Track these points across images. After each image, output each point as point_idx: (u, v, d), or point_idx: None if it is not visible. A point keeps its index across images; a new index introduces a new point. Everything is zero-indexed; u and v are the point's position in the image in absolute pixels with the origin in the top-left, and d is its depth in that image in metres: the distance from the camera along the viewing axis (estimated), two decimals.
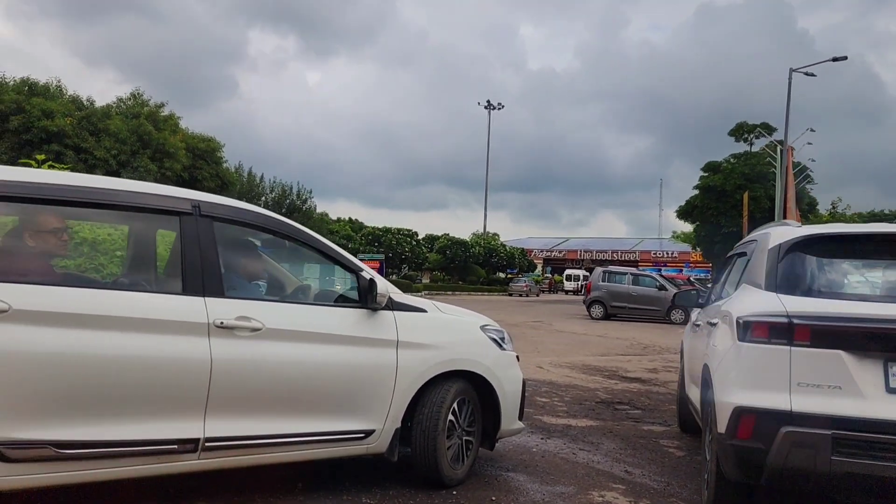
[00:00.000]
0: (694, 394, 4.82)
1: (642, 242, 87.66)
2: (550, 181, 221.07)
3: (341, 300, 3.98)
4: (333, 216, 56.15)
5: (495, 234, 73.12)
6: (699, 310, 5.61)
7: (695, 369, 4.79)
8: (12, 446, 2.82)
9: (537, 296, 52.89)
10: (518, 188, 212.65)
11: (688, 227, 50.10)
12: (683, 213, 46.08)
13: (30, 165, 6.92)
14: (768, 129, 42.38)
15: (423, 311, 4.13)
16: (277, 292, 4.21)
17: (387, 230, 52.36)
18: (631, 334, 17.75)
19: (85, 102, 29.25)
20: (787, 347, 3.14)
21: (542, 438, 5.63)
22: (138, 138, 28.13)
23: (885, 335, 3.08)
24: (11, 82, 27.97)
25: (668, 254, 77.27)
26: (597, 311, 24.77)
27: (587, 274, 40.29)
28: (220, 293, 3.39)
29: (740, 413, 3.18)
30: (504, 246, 64.62)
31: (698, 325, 5.08)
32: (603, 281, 25.24)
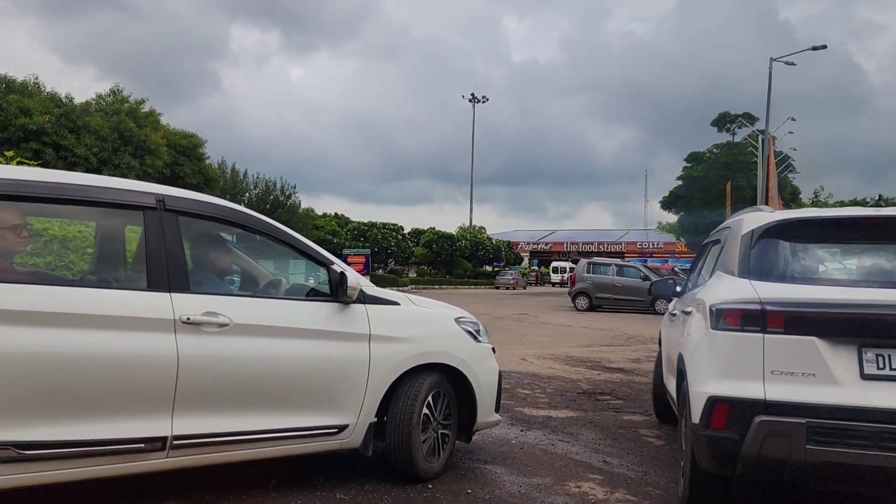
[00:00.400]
0: (671, 384, 4.79)
1: (628, 234, 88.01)
2: (536, 174, 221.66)
3: (313, 294, 3.93)
4: (319, 211, 55.81)
5: (482, 228, 73.13)
6: (676, 299, 5.57)
7: (672, 359, 4.76)
8: None
9: (524, 288, 52.99)
10: (504, 181, 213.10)
11: (672, 218, 50.32)
12: (667, 204, 46.33)
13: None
14: (750, 118, 42.62)
15: (396, 304, 4.10)
16: (248, 287, 4.16)
17: (372, 225, 52.21)
18: (615, 325, 17.81)
19: (64, 99, 28.87)
20: (761, 335, 3.09)
21: (521, 430, 5.62)
22: (119, 135, 27.81)
23: (859, 321, 3.03)
24: None
25: (653, 244, 77.61)
26: (582, 302, 24.84)
27: (573, 266, 40.42)
28: (186, 288, 3.34)
29: (714, 403, 3.12)
30: (490, 239, 64.67)
31: (675, 315, 5.05)
32: (588, 272, 25.31)
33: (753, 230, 3.59)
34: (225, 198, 3.87)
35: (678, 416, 4.16)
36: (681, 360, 3.86)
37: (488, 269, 64.11)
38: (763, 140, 30.09)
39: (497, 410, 4.58)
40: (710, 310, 3.33)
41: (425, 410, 4.03)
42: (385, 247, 51.22)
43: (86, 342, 3.01)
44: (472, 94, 68.59)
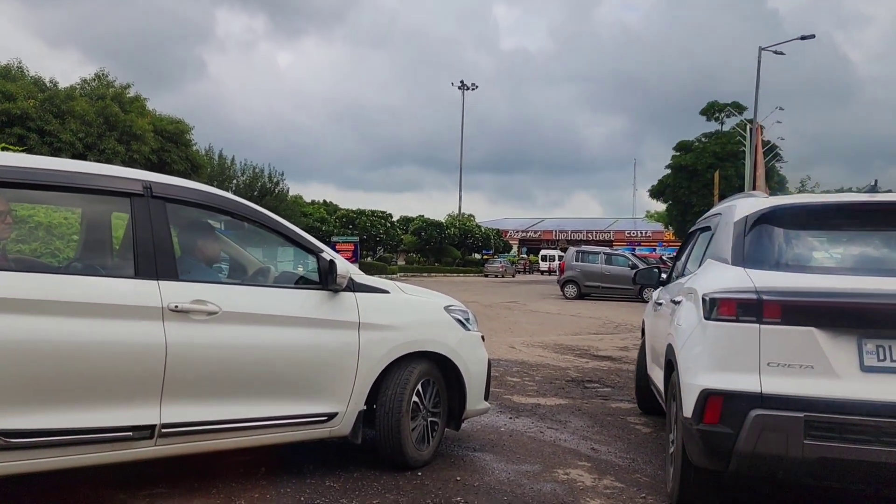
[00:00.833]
0: (657, 375, 4.72)
1: (617, 222, 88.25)
2: (525, 162, 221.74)
3: (302, 282, 3.91)
4: (307, 199, 55.54)
5: (471, 216, 73.02)
6: (661, 287, 5.49)
7: (657, 349, 4.69)
8: None
9: (513, 276, 53.06)
10: (493, 169, 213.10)
11: (661, 207, 50.47)
12: (656, 193, 46.43)
13: None
14: (739, 108, 42.69)
15: (386, 292, 4.09)
16: (237, 275, 4.14)
17: (361, 212, 52.04)
18: (604, 313, 17.88)
19: (48, 84, 28.52)
20: (757, 325, 2.98)
21: (510, 418, 5.64)
22: (105, 120, 27.50)
23: (859, 310, 2.92)
24: None
25: (641, 233, 77.87)
26: (570, 290, 24.90)
27: (562, 254, 40.51)
28: (174, 276, 3.32)
29: (707, 396, 3.01)
30: (479, 227, 64.62)
31: (660, 304, 4.97)
32: (576, 261, 25.36)
33: (747, 216, 3.47)
34: (212, 185, 3.84)
35: (666, 408, 4.08)
36: (670, 350, 3.75)
37: (477, 256, 64.14)
38: (751, 129, 30.19)
39: (486, 398, 4.59)
40: (703, 299, 3.21)
41: (415, 398, 4.03)
42: (374, 234, 51.11)
43: (73, 330, 2.98)
44: (462, 82, 68.33)
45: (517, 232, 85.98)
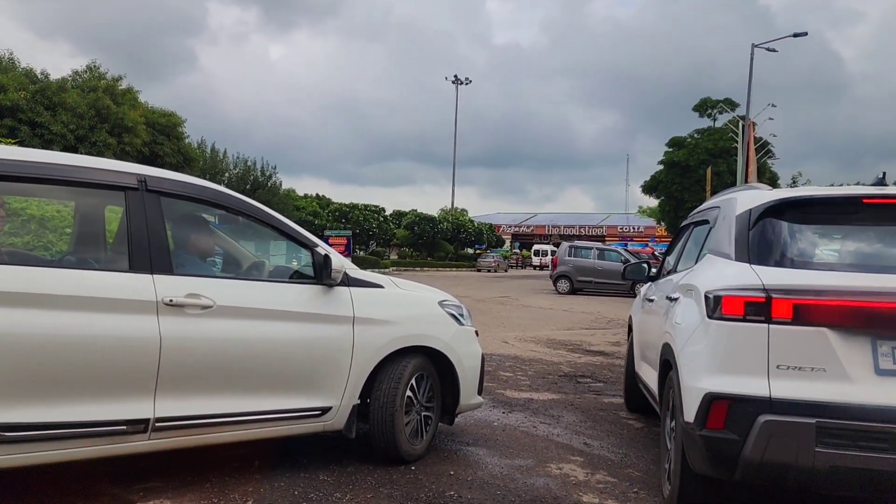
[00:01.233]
0: (648, 374, 4.61)
1: (609, 217, 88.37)
2: (518, 157, 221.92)
3: (297, 276, 3.91)
4: (300, 192, 55.43)
5: (464, 210, 73.11)
6: (651, 283, 5.37)
7: (649, 348, 4.55)
8: None
9: (505, 271, 53.10)
10: (486, 164, 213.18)
11: (653, 202, 50.56)
12: (648, 189, 46.46)
13: None
14: (731, 104, 42.81)
15: (380, 286, 4.09)
16: (231, 269, 4.14)
17: (354, 206, 52.00)
18: (596, 308, 17.94)
19: (39, 76, 28.29)
20: (765, 325, 2.81)
21: (503, 412, 5.66)
22: (96, 113, 27.30)
23: (874, 310, 2.75)
24: None
25: (634, 228, 78.05)
26: (563, 285, 24.97)
27: (555, 249, 40.58)
28: (168, 270, 3.31)
29: (711, 400, 2.85)
30: (472, 221, 64.65)
31: (651, 300, 4.85)
32: (569, 256, 25.43)
33: (751, 209, 3.29)
34: (204, 178, 3.82)
35: (660, 410, 3.95)
36: (668, 350, 3.57)
37: (470, 251, 64.19)
38: (743, 126, 30.27)
39: (480, 393, 4.60)
40: (706, 296, 3.05)
41: (408, 393, 4.04)
42: (366, 228, 51.09)
43: (67, 323, 2.98)
44: (455, 76, 68.30)
45: (510, 227, 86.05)
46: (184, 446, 3.39)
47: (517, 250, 75.65)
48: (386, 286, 4.14)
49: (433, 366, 4.25)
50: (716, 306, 2.97)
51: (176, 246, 3.64)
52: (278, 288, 3.77)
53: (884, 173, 3.43)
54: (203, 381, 3.35)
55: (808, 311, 2.79)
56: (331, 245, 3.99)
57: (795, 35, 29.30)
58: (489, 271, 49.91)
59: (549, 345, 10.26)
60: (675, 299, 3.73)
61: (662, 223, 50.38)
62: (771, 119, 38.40)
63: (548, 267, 46.53)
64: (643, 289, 5.69)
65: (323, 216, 49.39)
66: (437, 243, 58.50)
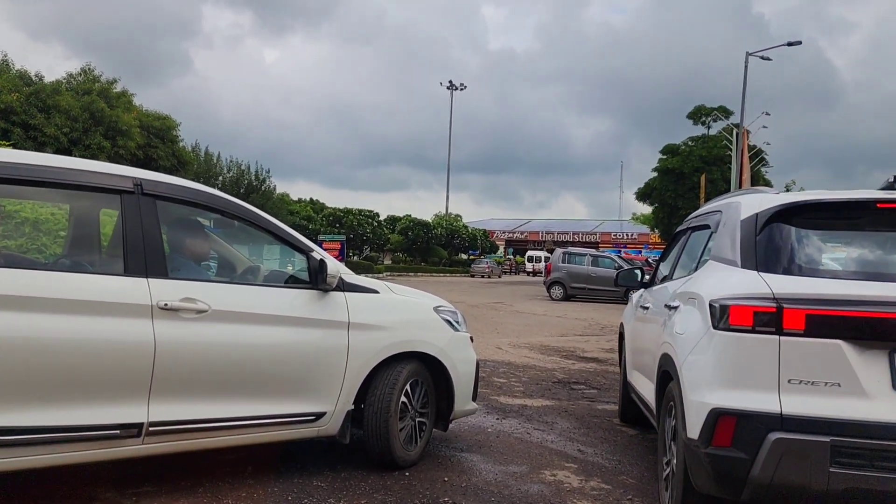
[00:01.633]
0: (643, 385, 4.46)
1: (603, 224, 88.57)
2: (512, 162, 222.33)
3: (292, 281, 3.91)
4: (294, 196, 55.47)
5: (458, 216, 73.12)
6: (644, 290, 5.21)
7: (645, 358, 4.41)
8: None
9: (499, 277, 53.12)
10: (479, 169, 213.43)
11: (647, 209, 50.68)
12: (642, 196, 46.58)
13: None
14: (726, 112, 42.98)
15: (375, 292, 4.09)
16: (226, 273, 4.13)
17: (348, 211, 51.95)
18: (590, 315, 17.96)
19: (34, 78, 28.21)
20: (776, 337, 2.66)
21: (497, 419, 5.65)
22: (90, 115, 27.23)
23: (892, 322, 2.60)
24: None
25: (627, 235, 78.21)
26: (557, 292, 24.98)
27: (549, 255, 40.62)
28: (163, 274, 3.30)
29: (718, 415, 2.70)
30: (466, 227, 64.65)
31: (646, 307, 4.67)
32: (563, 262, 25.44)
33: (758, 213, 3.12)
34: (198, 181, 3.81)
35: (656, 422, 3.81)
36: (667, 361, 3.41)
37: (464, 257, 64.18)
38: (737, 134, 30.41)
39: (474, 399, 4.60)
40: (712, 306, 2.89)
41: (403, 398, 4.04)
42: (361, 233, 51.03)
43: (61, 327, 2.96)
44: (451, 82, 68.34)
45: (504, 232, 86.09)
46: (177, 451, 3.38)
47: (511, 256, 75.69)
48: (381, 291, 4.14)
49: (428, 371, 4.24)
50: (722, 316, 2.82)
51: (171, 250, 3.63)
52: (273, 292, 3.76)
53: (894, 177, 3.25)
54: (197, 385, 3.34)
55: (822, 322, 2.65)
56: (325, 250, 3.98)
57: (790, 44, 29.47)
58: (483, 277, 49.90)
59: (543, 351, 10.27)
60: (675, 307, 3.57)
61: (656, 230, 50.49)
62: (765, 127, 38.55)
63: (541, 273, 46.57)
64: (635, 296, 5.55)
65: (317, 221, 49.35)
66: (431, 249, 58.46)
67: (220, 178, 40.17)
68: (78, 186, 3.28)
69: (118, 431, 3.11)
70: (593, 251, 28.54)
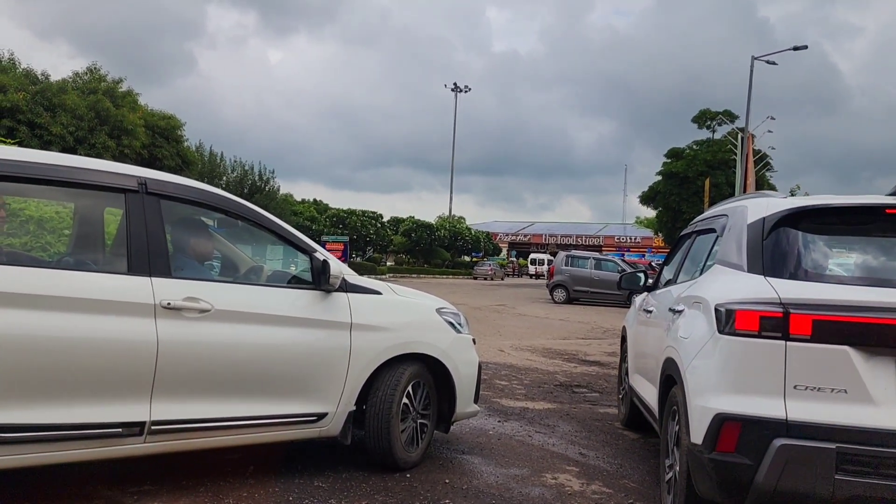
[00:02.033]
0: (646, 389, 4.45)
1: (606, 227, 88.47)
2: (515, 165, 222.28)
3: (295, 282, 3.91)
4: (297, 197, 55.51)
5: (461, 218, 73.09)
6: (647, 293, 5.20)
7: (648, 362, 4.40)
8: None
9: (502, 279, 53.09)
10: (482, 171, 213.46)
11: (651, 213, 50.63)
12: (646, 199, 46.53)
13: None
14: (730, 116, 42.96)
15: (378, 293, 4.09)
16: (229, 273, 4.14)
17: (352, 212, 51.99)
18: (592, 318, 17.94)
19: (40, 77, 28.29)
20: (782, 342, 2.65)
21: (499, 421, 5.65)
22: (96, 115, 27.28)
23: None
24: None
25: (631, 239, 78.13)
26: (559, 295, 24.96)
27: (551, 258, 40.59)
28: (167, 273, 3.31)
29: (722, 421, 2.69)
30: (469, 229, 64.62)
31: (649, 311, 4.67)
32: (566, 265, 25.42)
33: (765, 218, 3.11)
34: (202, 181, 3.82)
35: (659, 428, 3.79)
36: (671, 365, 3.40)
37: (466, 259, 64.14)
38: (742, 138, 30.37)
39: (476, 401, 4.59)
40: (717, 310, 2.88)
41: (405, 400, 4.04)
42: (364, 234, 51.06)
43: (64, 325, 2.97)
44: (455, 84, 68.37)
45: (507, 235, 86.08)
46: (179, 450, 3.38)
47: (514, 259, 75.67)
48: (384, 293, 4.14)
49: (430, 373, 4.24)
50: (728, 320, 2.80)
51: (175, 249, 3.64)
52: (276, 293, 3.77)
53: None
54: (200, 384, 3.34)
55: (829, 328, 2.63)
56: (328, 251, 3.98)
57: (795, 48, 29.42)
58: (485, 279, 49.88)
59: (545, 354, 10.26)
60: (680, 311, 3.56)
61: (660, 234, 50.42)
62: (770, 132, 38.48)
63: (544, 276, 46.52)
64: (638, 299, 5.55)
65: (320, 221, 49.38)
66: (434, 250, 58.46)
67: (224, 178, 40.21)
68: (83, 185, 3.29)
69: (120, 430, 3.12)
70: (596, 254, 28.49)
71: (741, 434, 2.66)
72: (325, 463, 4.15)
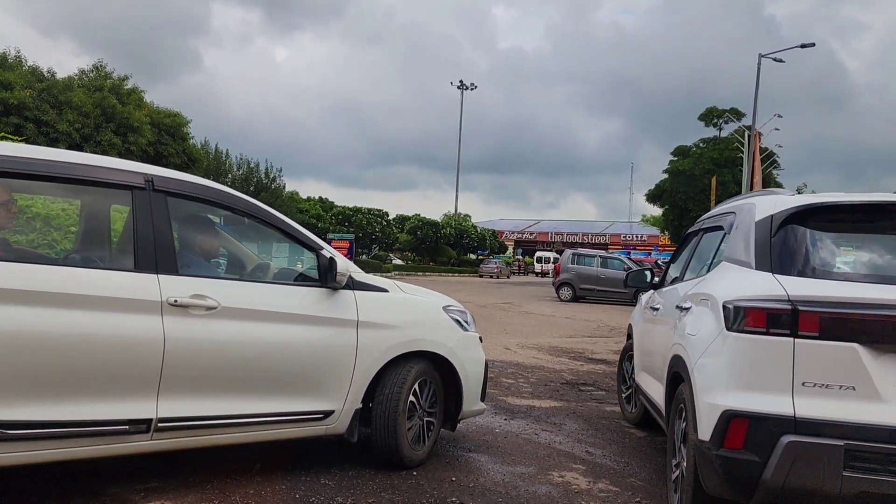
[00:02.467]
0: (652, 387, 4.44)
1: (612, 225, 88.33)
2: (521, 162, 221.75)
3: (301, 279, 3.90)
4: (303, 195, 55.52)
5: (467, 216, 73.13)
6: (654, 291, 5.17)
7: (655, 359, 4.39)
8: None
9: (508, 277, 53.04)
10: (488, 169, 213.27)
11: (657, 211, 50.56)
12: (653, 197, 46.45)
13: None
14: (737, 114, 42.79)
15: (385, 290, 4.08)
16: (236, 270, 4.14)
17: (357, 210, 52.02)
18: (598, 316, 17.90)
19: (46, 74, 28.38)
20: (790, 339, 2.65)
21: (505, 419, 5.64)
22: (102, 112, 27.36)
23: None
24: None
25: (637, 237, 77.99)
26: (566, 293, 24.91)
27: (558, 256, 40.56)
28: (174, 270, 3.31)
29: (730, 417, 2.69)
30: (475, 227, 64.58)
31: (656, 308, 4.64)
32: (572, 263, 25.37)
33: (773, 215, 3.10)
34: (208, 179, 3.81)
35: (666, 425, 3.80)
36: (678, 362, 3.39)
37: (472, 257, 64.12)
38: (749, 136, 30.26)
39: (482, 399, 4.58)
40: (725, 307, 2.88)
41: (411, 398, 4.03)
42: (370, 232, 51.09)
43: (71, 322, 2.97)
44: (461, 81, 68.27)
45: (513, 233, 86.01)
46: (186, 447, 3.38)
47: (520, 257, 75.62)
48: (390, 290, 4.13)
49: (436, 371, 4.23)
50: (736, 318, 2.81)
51: (181, 246, 3.64)
52: (283, 290, 3.76)
53: None
54: (206, 382, 3.34)
55: (838, 325, 2.64)
56: (334, 248, 3.98)
57: (803, 46, 29.27)
58: (491, 277, 49.84)
59: (552, 352, 10.24)
60: (687, 309, 3.56)
61: (666, 232, 50.34)
62: (777, 129, 38.41)
63: (550, 274, 46.53)
64: (644, 297, 5.53)
65: (326, 219, 49.45)
66: (440, 248, 58.44)
67: (230, 175, 40.28)
68: (89, 182, 3.29)
69: (127, 427, 3.12)
70: (602, 252, 28.47)
71: (749, 431, 2.66)
72: (332, 461, 4.14)
